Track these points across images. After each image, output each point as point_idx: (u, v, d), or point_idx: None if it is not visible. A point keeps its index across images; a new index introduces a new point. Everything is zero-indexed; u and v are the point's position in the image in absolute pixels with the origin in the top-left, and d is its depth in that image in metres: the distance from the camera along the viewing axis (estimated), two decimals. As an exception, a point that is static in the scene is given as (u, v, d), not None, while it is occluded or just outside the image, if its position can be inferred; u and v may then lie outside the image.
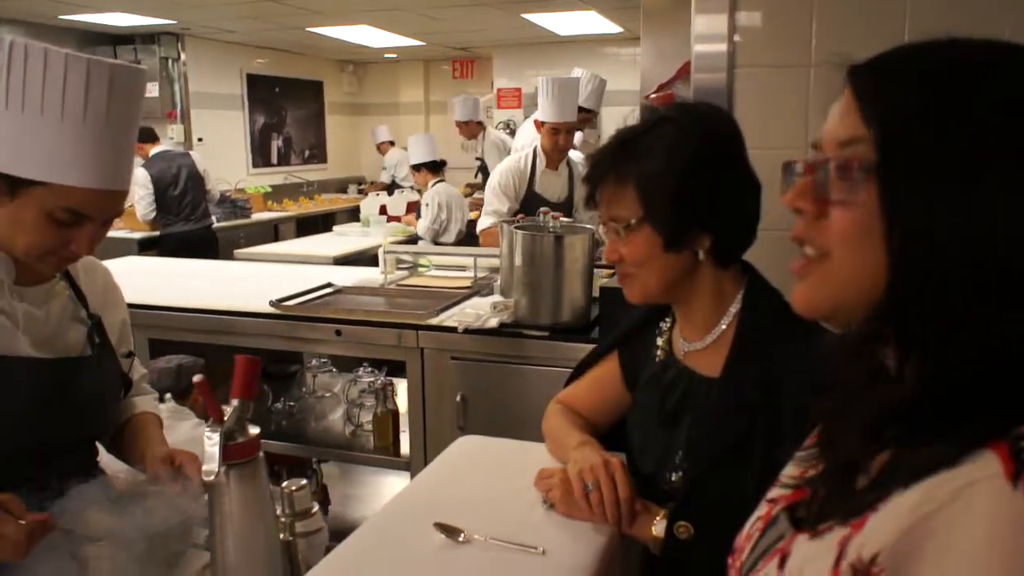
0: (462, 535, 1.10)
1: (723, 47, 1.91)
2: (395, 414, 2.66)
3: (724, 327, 1.20)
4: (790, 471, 0.77)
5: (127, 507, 1.32)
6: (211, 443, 1.03)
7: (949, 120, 0.58)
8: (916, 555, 0.52)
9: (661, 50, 2.90)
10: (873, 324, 0.62)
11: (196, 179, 5.62)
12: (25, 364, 1.30)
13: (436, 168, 5.02)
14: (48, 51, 1.17)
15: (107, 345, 1.46)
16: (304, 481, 1.19)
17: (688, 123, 1.17)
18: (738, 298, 1.20)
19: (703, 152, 1.14)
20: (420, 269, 3.31)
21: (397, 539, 1.12)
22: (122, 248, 5.13)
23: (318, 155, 9.39)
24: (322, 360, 3.02)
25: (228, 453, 1.04)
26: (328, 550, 1.14)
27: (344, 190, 9.10)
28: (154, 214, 5.48)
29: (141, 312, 2.71)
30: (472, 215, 4.74)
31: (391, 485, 3.08)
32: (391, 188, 7.57)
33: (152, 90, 6.91)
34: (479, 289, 2.85)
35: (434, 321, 2.45)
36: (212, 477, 1.03)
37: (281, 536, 1.14)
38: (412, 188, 6.14)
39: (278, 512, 1.15)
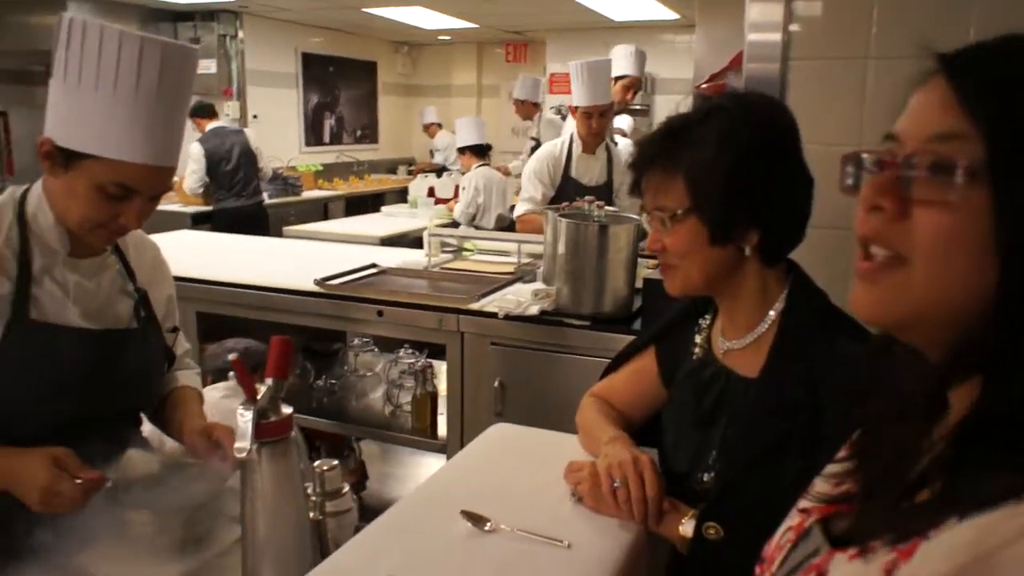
0: (488, 524, 1.09)
1: (777, 36, 1.85)
2: (434, 396, 2.68)
3: (766, 327, 1.17)
4: (821, 486, 0.73)
5: (166, 478, 1.36)
6: (244, 420, 1.04)
7: None
8: None
9: (717, 38, 2.84)
10: (967, 352, 0.55)
11: (249, 156, 5.72)
12: (74, 334, 1.34)
13: (481, 152, 5.02)
14: (104, 28, 1.20)
15: (152, 319, 1.49)
16: (335, 461, 1.20)
17: (741, 112, 1.13)
18: (782, 297, 1.16)
19: (756, 143, 1.10)
20: (464, 253, 3.31)
21: (424, 524, 1.12)
22: (175, 222, 5.25)
23: (370, 135, 9.46)
24: (364, 340, 3.04)
25: (260, 431, 1.06)
26: (357, 530, 1.15)
27: (394, 171, 9.17)
28: (201, 188, 5.60)
29: (190, 285, 2.77)
30: (514, 200, 4.73)
31: (428, 466, 3.10)
32: (440, 171, 7.59)
33: (210, 67, 7.05)
34: (522, 275, 2.84)
35: (475, 306, 2.45)
36: (244, 454, 1.04)
37: (311, 515, 1.15)
38: (459, 171, 6.15)
39: (309, 491, 1.17)
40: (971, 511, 0.50)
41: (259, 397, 1.07)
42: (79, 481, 1.19)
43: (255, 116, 7.40)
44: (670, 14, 6.79)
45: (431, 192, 5.92)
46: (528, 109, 6.06)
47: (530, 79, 6.05)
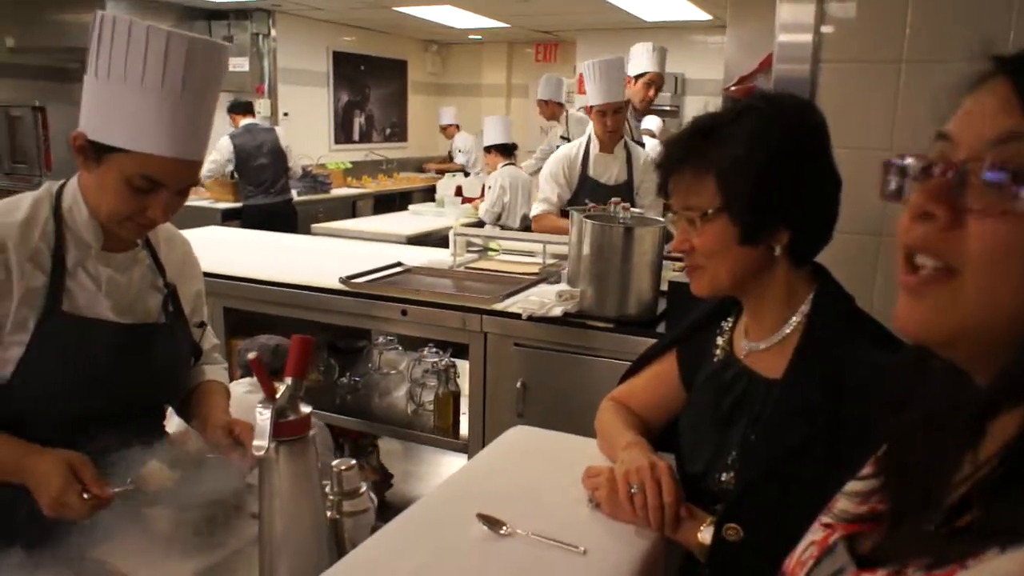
0: (504, 527, 1.09)
1: (808, 38, 1.82)
2: (456, 396, 2.68)
3: (790, 328, 1.16)
4: (844, 503, 0.70)
5: (186, 473, 1.37)
6: (262, 419, 1.05)
7: None
8: None
9: (748, 39, 2.81)
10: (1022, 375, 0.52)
11: (278, 154, 5.77)
12: (105, 327, 1.36)
13: (507, 151, 5.01)
14: (133, 23, 1.23)
15: (180, 314, 1.51)
16: (353, 461, 1.20)
17: (772, 112, 1.12)
18: (808, 299, 1.16)
19: (788, 142, 1.09)
20: (490, 253, 3.31)
21: (440, 527, 1.12)
22: (206, 218, 5.32)
23: (399, 134, 9.51)
24: (389, 338, 3.06)
25: (279, 430, 1.06)
26: (374, 530, 1.15)
27: (422, 169, 9.20)
28: (209, 179, 5.70)
29: (218, 281, 2.80)
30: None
31: (449, 465, 3.10)
32: (466, 171, 7.58)
33: (242, 65, 7.13)
34: (546, 276, 2.83)
35: (499, 306, 2.45)
36: (262, 452, 1.05)
37: (328, 514, 1.16)
38: (477, 171, 6.16)
39: (327, 490, 1.17)
40: (1014, 543, 0.47)
41: (278, 396, 1.07)
42: (87, 496, 1.20)
43: (286, 114, 7.47)
44: (702, 14, 6.73)
45: (458, 191, 5.94)
46: (553, 109, 6.03)
47: (553, 79, 6.01)
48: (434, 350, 2.77)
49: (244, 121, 5.78)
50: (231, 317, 2.88)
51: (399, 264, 2.99)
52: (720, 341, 1.28)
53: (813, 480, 1.02)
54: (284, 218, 5.72)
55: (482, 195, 5.70)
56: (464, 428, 2.62)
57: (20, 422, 1.28)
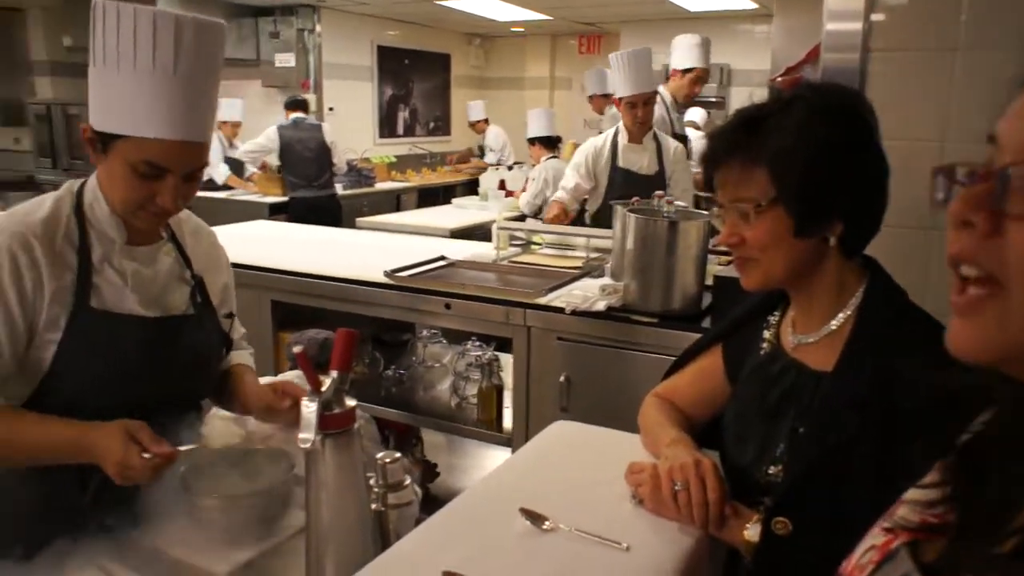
0: (547, 523, 1.09)
1: (858, 25, 1.77)
2: (499, 390, 2.69)
3: (841, 321, 1.14)
4: (907, 512, 0.68)
5: (236, 465, 1.40)
6: (308, 411, 1.06)
7: None
8: None
9: (795, 28, 2.76)
10: None
11: (323, 150, 5.86)
12: (133, 322, 1.37)
13: (551, 144, 5.00)
14: (120, 7, 1.23)
15: (208, 305, 1.51)
16: (398, 454, 1.22)
17: (821, 101, 1.11)
18: (859, 292, 1.14)
19: (838, 130, 1.09)
20: (533, 247, 3.31)
21: (483, 521, 1.13)
22: (254, 212, 5.41)
23: (442, 127, 9.54)
24: (433, 331, 3.08)
25: (324, 423, 1.07)
26: (418, 522, 1.16)
27: (465, 162, 9.22)
28: (250, 159, 5.93)
29: (265, 275, 2.85)
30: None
31: (493, 457, 3.12)
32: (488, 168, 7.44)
33: (288, 60, 7.23)
34: (590, 270, 2.82)
35: (542, 300, 2.45)
36: (308, 445, 1.06)
37: (373, 506, 1.17)
38: (509, 167, 6.11)
39: (372, 483, 1.19)
40: None
41: (324, 389, 1.09)
42: (148, 456, 1.21)
43: (331, 109, 7.55)
44: (747, 3, 6.62)
45: (502, 184, 5.94)
46: (599, 103, 5.99)
47: (594, 73, 5.94)
48: (478, 344, 2.78)
49: (293, 115, 5.87)
50: (278, 310, 2.93)
51: (443, 258, 3.01)
52: (767, 334, 1.27)
53: (864, 474, 1.02)
54: (328, 212, 5.80)
55: (524, 188, 5.70)
56: (507, 422, 2.62)
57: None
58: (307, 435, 1.06)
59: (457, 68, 9.67)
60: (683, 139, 4.13)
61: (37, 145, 7.16)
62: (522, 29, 9.28)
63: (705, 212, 2.31)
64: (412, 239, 3.79)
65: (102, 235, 1.36)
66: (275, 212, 5.68)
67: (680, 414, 1.35)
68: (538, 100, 9.25)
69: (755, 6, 6.74)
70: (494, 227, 3.18)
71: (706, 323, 2.25)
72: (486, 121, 8.14)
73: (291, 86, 7.11)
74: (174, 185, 1.30)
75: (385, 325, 3.15)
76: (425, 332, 3.08)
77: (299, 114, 5.91)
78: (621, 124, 3.47)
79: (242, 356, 1.65)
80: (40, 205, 1.34)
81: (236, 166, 6.35)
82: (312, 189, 5.82)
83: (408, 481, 1.22)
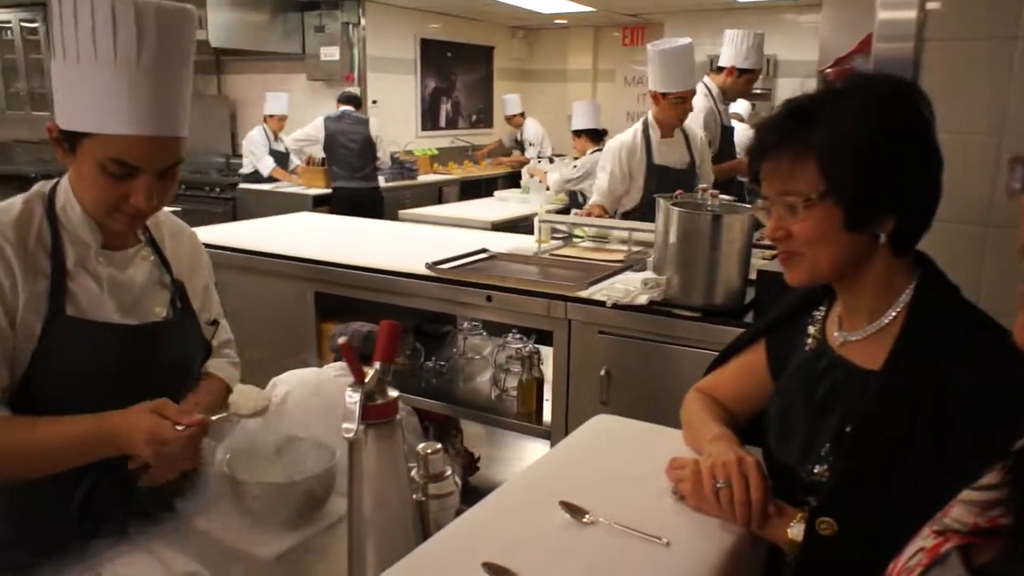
0: (586, 516, 1.09)
1: (912, 14, 1.72)
2: (540, 382, 2.69)
3: (890, 318, 1.12)
4: (961, 513, 0.66)
5: (281, 454, 1.42)
6: (351, 402, 1.07)
7: None
8: None
9: (844, 18, 2.69)
10: None
11: (367, 143, 5.91)
12: (111, 330, 1.31)
13: (597, 136, 4.97)
14: None
15: (188, 310, 1.46)
16: (439, 445, 1.22)
17: (874, 91, 1.09)
18: (909, 289, 1.11)
19: (892, 122, 1.05)
20: (574, 240, 3.30)
21: (523, 513, 1.13)
22: (298, 204, 5.49)
23: (484, 120, 9.55)
24: (474, 323, 3.09)
25: (367, 413, 1.08)
26: (458, 513, 1.17)
27: (508, 155, 9.21)
28: (297, 145, 6.01)
29: (308, 266, 2.89)
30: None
31: (532, 450, 3.12)
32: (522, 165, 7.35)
33: (333, 54, 7.31)
34: (632, 264, 2.80)
35: (583, 293, 2.44)
36: (351, 435, 1.07)
37: (414, 496, 1.18)
38: (550, 160, 6.04)
39: (413, 473, 1.20)
40: None
41: (367, 380, 1.10)
42: (180, 427, 1.18)
43: (375, 101, 7.61)
44: (796, -8, 6.51)
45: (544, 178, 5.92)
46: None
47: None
48: (518, 336, 2.79)
49: (341, 108, 5.94)
50: (321, 302, 2.97)
51: (484, 250, 3.02)
52: (812, 330, 1.25)
53: (913, 475, 0.99)
54: (371, 204, 5.86)
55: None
56: (547, 415, 2.63)
57: None
58: (350, 425, 1.07)
59: (500, 60, 9.66)
60: (729, 131, 4.07)
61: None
62: (565, 21, 9.23)
63: (748, 205, 2.28)
64: (454, 231, 3.81)
65: (76, 239, 1.30)
66: (319, 204, 5.76)
67: (723, 410, 1.33)
68: (581, 92, 9.18)
69: (803, -5, 6.62)
70: (536, 219, 3.18)
71: (749, 318, 2.22)
72: (522, 115, 8.09)
73: (336, 79, 7.18)
74: (147, 184, 1.24)
75: (426, 317, 3.17)
76: (466, 324, 3.10)
77: (348, 107, 5.97)
78: (650, 118, 3.44)
79: (219, 366, 1.55)
80: (9, 207, 1.28)
81: (281, 159, 6.44)
82: (355, 180, 5.89)
83: (449, 472, 1.23)
